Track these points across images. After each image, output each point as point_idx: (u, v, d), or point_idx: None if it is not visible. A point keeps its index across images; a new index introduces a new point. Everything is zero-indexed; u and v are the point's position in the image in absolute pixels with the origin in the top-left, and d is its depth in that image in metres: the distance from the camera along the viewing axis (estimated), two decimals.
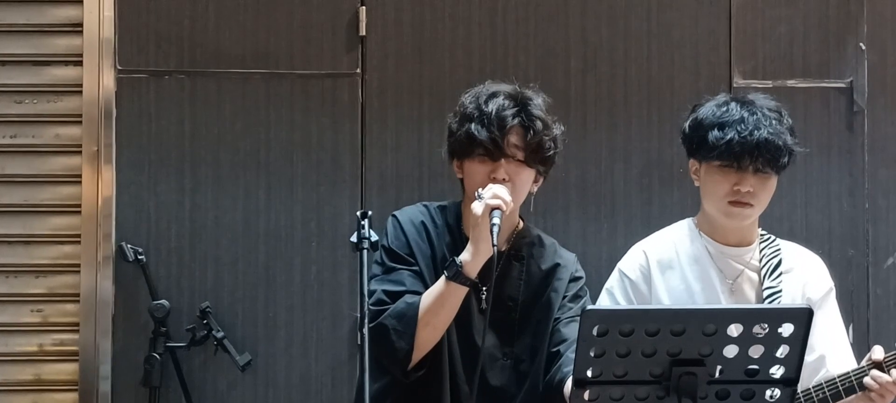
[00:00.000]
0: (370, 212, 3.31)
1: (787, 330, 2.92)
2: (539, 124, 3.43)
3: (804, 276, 3.67)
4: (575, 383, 2.96)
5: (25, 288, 4.49)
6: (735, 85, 4.56)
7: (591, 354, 2.92)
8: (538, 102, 3.49)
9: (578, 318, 3.40)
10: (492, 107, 3.42)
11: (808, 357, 3.52)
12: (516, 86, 3.54)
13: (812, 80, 4.59)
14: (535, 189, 3.56)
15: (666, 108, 4.57)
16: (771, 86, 4.55)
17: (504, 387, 3.47)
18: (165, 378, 4.40)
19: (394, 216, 3.55)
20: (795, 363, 2.94)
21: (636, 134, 4.57)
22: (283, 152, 4.53)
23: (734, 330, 2.92)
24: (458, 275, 3.29)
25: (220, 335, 4.39)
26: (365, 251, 3.22)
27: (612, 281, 3.73)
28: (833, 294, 3.71)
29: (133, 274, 4.45)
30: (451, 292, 3.31)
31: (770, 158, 3.51)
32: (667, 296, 3.61)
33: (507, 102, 3.43)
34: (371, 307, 3.37)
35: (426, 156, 4.53)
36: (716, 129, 3.54)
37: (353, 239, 3.27)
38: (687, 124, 3.66)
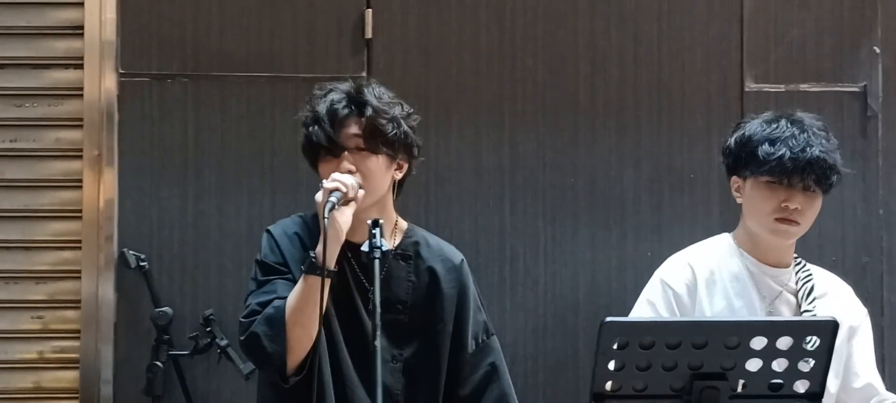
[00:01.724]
0: (381, 220, 3.27)
1: (812, 343, 2.88)
2: (370, 109, 3.44)
3: (837, 302, 3.66)
4: (593, 397, 2.91)
5: (25, 294, 4.44)
6: (747, 89, 4.51)
7: (610, 367, 2.88)
8: (372, 90, 3.50)
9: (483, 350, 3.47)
10: (323, 106, 3.46)
11: (855, 384, 3.52)
12: (353, 82, 3.55)
13: (825, 85, 4.54)
14: (400, 176, 3.55)
15: (676, 113, 4.52)
16: (783, 90, 4.51)
17: (392, 387, 3.46)
18: (168, 387, 4.35)
19: (267, 230, 3.57)
20: (820, 377, 2.90)
21: (646, 139, 4.53)
22: (288, 157, 4.47)
23: (757, 343, 2.88)
24: (313, 267, 3.28)
25: (223, 343, 4.34)
26: (377, 260, 3.17)
27: (654, 293, 3.66)
28: (868, 321, 3.70)
29: (135, 280, 4.40)
30: (310, 285, 3.30)
31: (820, 176, 3.53)
32: (711, 312, 3.56)
33: (337, 96, 3.47)
34: (242, 319, 3.40)
35: (432, 160, 4.47)
36: (766, 144, 3.54)
37: (364, 247, 3.23)
38: (732, 140, 3.64)
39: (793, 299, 3.61)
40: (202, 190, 4.46)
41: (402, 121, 3.50)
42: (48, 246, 4.44)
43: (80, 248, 4.42)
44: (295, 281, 3.40)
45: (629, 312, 3.77)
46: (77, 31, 4.45)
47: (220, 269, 4.44)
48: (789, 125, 3.56)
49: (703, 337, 2.86)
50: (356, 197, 3.34)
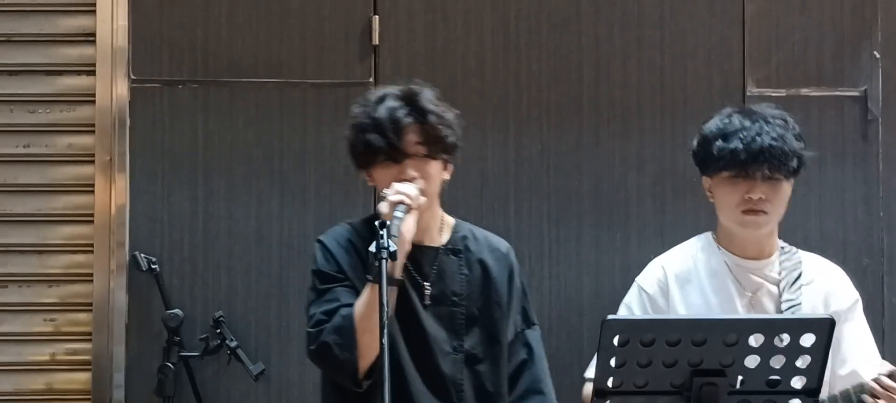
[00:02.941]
0: (389, 223, 3.32)
1: (808, 340, 2.93)
2: (433, 117, 3.46)
3: (826, 288, 3.67)
4: (595, 393, 2.96)
5: (38, 297, 4.50)
6: (748, 93, 4.56)
7: (612, 364, 2.93)
8: (427, 95, 3.51)
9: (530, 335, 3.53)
10: (383, 112, 3.45)
11: (841, 371, 3.54)
12: (400, 86, 3.54)
13: (826, 89, 4.59)
14: (447, 176, 3.57)
15: (679, 117, 4.57)
16: (784, 94, 4.55)
17: (454, 377, 3.49)
18: (179, 388, 4.40)
19: (319, 240, 3.57)
20: (817, 373, 2.95)
21: (649, 142, 4.57)
22: (296, 161, 4.53)
23: (755, 340, 2.93)
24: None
25: (233, 344, 4.39)
26: (384, 261, 3.22)
27: (631, 297, 3.75)
28: (859, 305, 3.71)
29: (146, 283, 4.45)
30: (376, 293, 3.29)
31: (777, 163, 3.54)
32: (685, 310, 3.62)
33: (396, 104, 3.46)
34: (310, 329, 3.43)
35: None
36: (720, 140, 3.59)
37: (372, 248, 3.28)
38: (695, 143, 3.71)
39: (775, 289, 3.64)
40: (212, 193, 4.51)
41: (455, 125, 3.54)
42: (60, 250, 4.50)
43: (92, 252, 4.47)
44: (354, 288, 3.43)
45: None
46: (89, 38, 4.51)
47: (229, 271, 4.50)
48: (741, 118, 3.60)
49: (702, 335, 2.90)
50: (418, 205, 3.37)
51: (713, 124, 3.65)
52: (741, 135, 3.55)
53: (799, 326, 2.95)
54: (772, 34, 4.60)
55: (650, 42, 4.59)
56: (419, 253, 3.48)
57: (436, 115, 3.46)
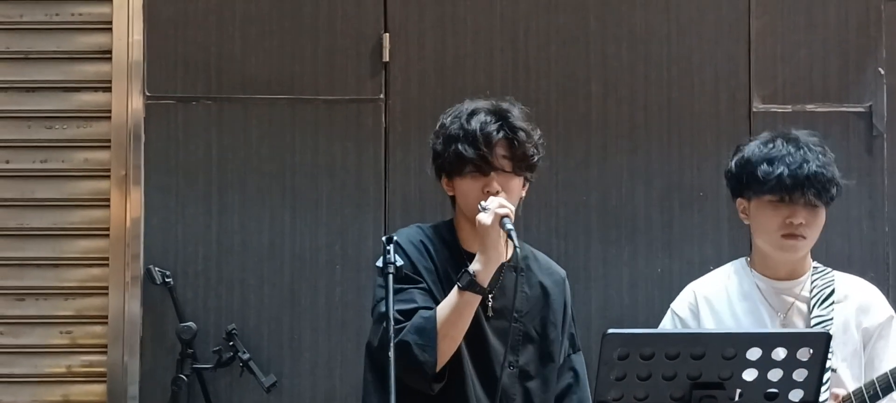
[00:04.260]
0: (396, 238, 3.37)
1: (805, 354, 2.97)
2: (522, 135, 3.51)
3: (859, 304, 3.66)
4: None
5: (54, 310, 4.57)
6: (754, 109, 4.60)
7: (613, 377, 2.97)
8: (517, 113, 3.56)
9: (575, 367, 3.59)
10: (475, 124, 3.49)
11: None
12: (492, 100, 3.59)
13: (831, 105, 4.63)
14: (523, 194, 3.61)
15: (686, 132, 4.62)
16: (790, 110, 4.59)
17: (509, 389, 3.53)
18: (192, 400, 4.45)
19: (390, 238, 3.59)
20: (814, 386, 2.98)
21: (657, 157, 4.62)
22: (308, 176, 4.59)
23: (753, 353, 2.96)
24: (471, 285, 3.37)
25: (245, 356, 4.45)
26: (390, 275, 3.28)
27: (665, 323, 3.75)
28: (895, 322, 3.71)
29: (160, 296, 4.52)
30: (465, 301, 3.39)
31: (820, 190, 3.55)
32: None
33: (488, 118, 3.51)
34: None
35: None
36: (765, 164, 3.57)
37: (379, 263, 3.33)
38: (733, 163, 3.68)
39: (804, 307, 3.65)
40: (225, 208, 4.58)
41: (540, 146, 3.59)
42: (77, 264, 4.57)
43: (107, 265, 4.55)
44: (428, 290, 3.47)
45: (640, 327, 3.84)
46: (105, 55, 4.58)
47: (242, 285, 4.56)
48: (785, 143, 3.59)
49: (700, 348, 2.94)
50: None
51: (755, 148, 3.63)
52: (787, 161, 3.54)
53: (796, 340, 2.98)
54: (778, 51, 4.64)
55: (657, 58, 4.64)
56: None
57: (525, 132, 3.52)
